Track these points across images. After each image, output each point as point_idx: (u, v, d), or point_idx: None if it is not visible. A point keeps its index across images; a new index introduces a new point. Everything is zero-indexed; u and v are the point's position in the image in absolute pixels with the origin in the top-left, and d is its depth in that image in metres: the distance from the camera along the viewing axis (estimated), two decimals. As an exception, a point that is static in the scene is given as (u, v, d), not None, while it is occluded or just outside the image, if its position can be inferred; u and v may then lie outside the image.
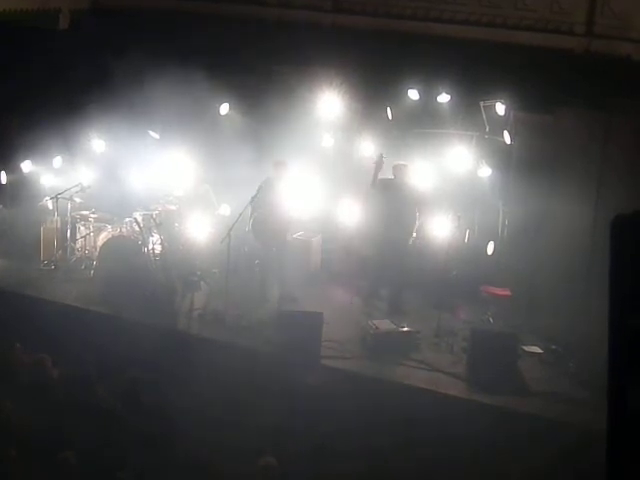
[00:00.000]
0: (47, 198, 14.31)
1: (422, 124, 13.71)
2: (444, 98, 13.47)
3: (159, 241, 13.59)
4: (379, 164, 12.82)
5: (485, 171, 13.18)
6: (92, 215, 14.18)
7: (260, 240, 13.21)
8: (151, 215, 13.86)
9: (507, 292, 12.67)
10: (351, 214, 13.32)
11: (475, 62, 13.13)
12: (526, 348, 11.73)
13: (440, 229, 12.55)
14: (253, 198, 12.57)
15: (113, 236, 13.73)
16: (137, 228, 13.66)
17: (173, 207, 14.25)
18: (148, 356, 10.01)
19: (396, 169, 13.01)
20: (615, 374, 3.60)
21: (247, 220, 12.95)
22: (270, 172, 13.08)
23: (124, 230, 13.84)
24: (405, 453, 8.25)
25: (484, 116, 13.23)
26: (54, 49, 15.01)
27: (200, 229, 13.06)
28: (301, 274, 13.70)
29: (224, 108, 14.51)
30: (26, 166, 14.61)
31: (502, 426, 9.34)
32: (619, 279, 3.61)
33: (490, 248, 13.11)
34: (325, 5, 15.08)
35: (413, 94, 13.60)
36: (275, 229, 12.94)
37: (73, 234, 14.25)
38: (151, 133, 14.54)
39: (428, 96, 13.53)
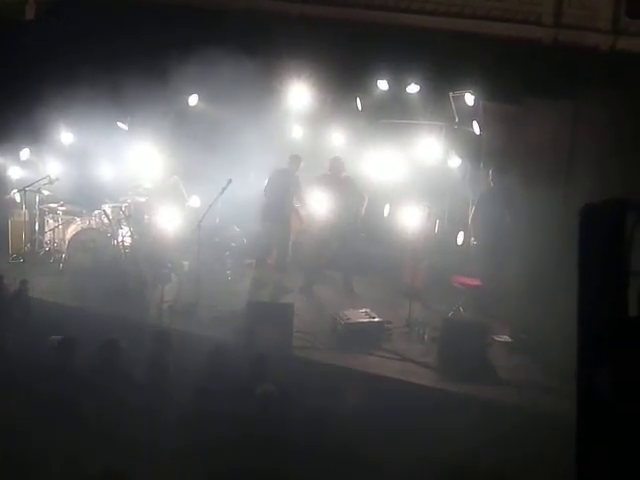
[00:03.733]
0: (14, 191, 14.19)
1: (391, 115, 13.74)
2: (413, 89, 13.49)
3: (129, 233, 13.53)
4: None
5: (455, 161, 13.23)
6: (60, 208, 14.09)
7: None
8: (120, 207, 13.80)
9: (477, 282, 12.73)
10: (321, 205, 13.39)
11: (444, 53, 13.16)
12: (496, 337, 11.81)
13: (410, 219, 12.59)
14: (223, 189, 12.57)
15: (82, 229, 13.67)
16: (106, 220, 13.60)
17: (142, 199, 14.17)
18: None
19: (331, 163, 13.20)
20: (583, 362, 3.65)
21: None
22: (284, 164, 13.38)
23: (93, 223, 13.77)
24: (376, 442, 8.27)
25: (453, 107, 13.27)
26: (20, 40, 14.86)
27: (170, 221, 13.01)
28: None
29: (193, 99, 14.46)
30: (-8, 158, 14.48)
31: (473, 415, 9.38)
32: (587, 268, 3.65)
33: (460, 238, 13.17)
34: (294, -5, 15.06)
35: (382, 85, 13.61)
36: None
37: (41, 227, 14.16)
38: (119, 124, 14.45)
39: (397, 87, 13.55)
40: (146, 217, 13.86)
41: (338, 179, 13.22)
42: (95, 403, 8.58)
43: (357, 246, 13.51)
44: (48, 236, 14.13)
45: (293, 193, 13.39)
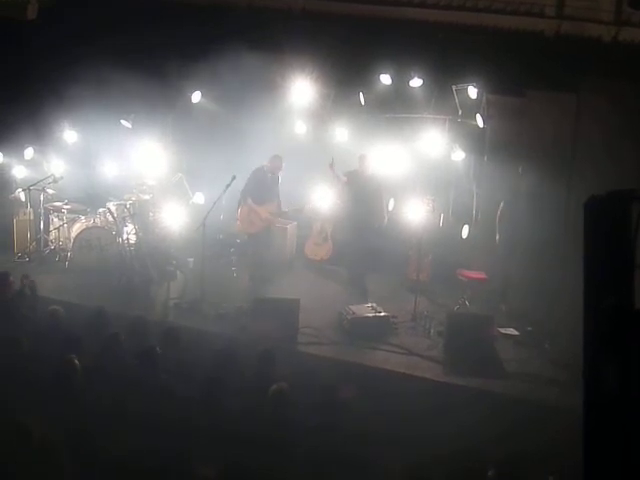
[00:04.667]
0: (19, 190, 14.23)
1: (395, 109, 13.73)
2: (416, 82, 13.48)
3: (133, 231, 13.56)
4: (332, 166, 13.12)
5: (458, 155, 13.22)
6: (65, 206, 14.10)
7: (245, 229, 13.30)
8: (125, 205, 13.82)
9: (482, 275, 12.73)
10: (326, 200, 13.41)
11: (446, 46, 13.15)
12: (502, 330, 11.81)
13: (414, 213, 12.59)
14: (227, 186, 12.54)
15: (87, 227, 13.68)
16: (111, 218, 13.62)
17: (147, 197, 14.19)
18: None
19: (359, 160, 13.11)
20: (590, 354, 3.65)
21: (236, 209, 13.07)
22: (243, 164, 13.09)
23: (98, 221, 13.79)
24: (381, 436, 8.27)
25: (456, 100, 13.26)
26: (22, 39, 14.87)
27: (174, 218, 13.02)
28: (277, 261, 13.74)
29: (196, 96, 14.46)
30: (-3, 158, 14.50)
31: (479, 408, 9.38)
32: (593, 260, 3.65)
33: (465, 232, 13.17)
34: (295, -9, 15.04)
35: (385, 79, 13.60)
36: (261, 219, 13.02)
37: (46, 226, 14.18)
38: (123, 122, 14.46)
39: (400, 81, 13.55)
40: (151, 214, 13.89)
41: (363, 176, 13.11)
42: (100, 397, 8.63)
43: (375, 243, 13.32)
44: (53, 235, 14.14)
45: (274, 192, 13.25)
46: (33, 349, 9.45)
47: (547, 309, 11.68)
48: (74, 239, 13.61)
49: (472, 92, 13.05)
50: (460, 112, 13.35)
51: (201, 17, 14.52)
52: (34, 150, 14.48)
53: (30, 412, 7.90)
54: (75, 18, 14.69)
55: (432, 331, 11.92)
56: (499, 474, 7.31)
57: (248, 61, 13.32)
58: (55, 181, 14.14)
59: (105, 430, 7.83)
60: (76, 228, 13.77)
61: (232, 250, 13.74)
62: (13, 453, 7.29)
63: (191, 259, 13.45)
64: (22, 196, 14.13)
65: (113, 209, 13.71)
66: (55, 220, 14.14)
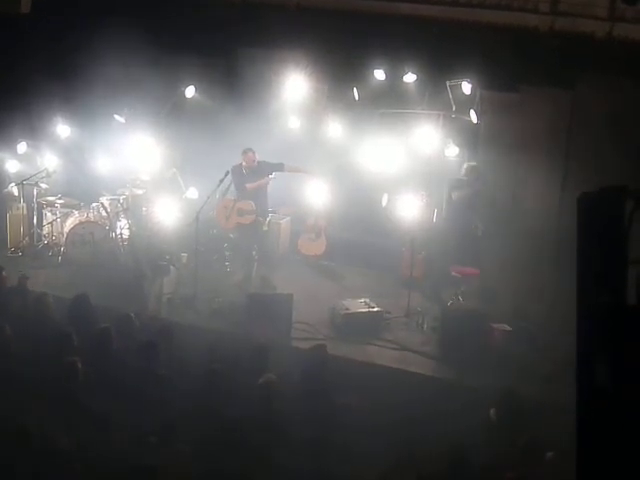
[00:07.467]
0: (12, 184, 14.19)
1: (389, 104, 13.73)
2: (410, 78, 13.49)
3: (127, 226, 13.55)
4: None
5: (452, 150, 13.22)
6: (58, 201, 14.08)
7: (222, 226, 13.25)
8: (118, 200, 13.81)
9: (476, 271, 12.73)
10: (319, 195, 13.40)
11: (441, 41, 13.14)
12: (495, 326, 11.81)
13: (408, 209, 12.59)
14: (221, 181, 12.53)
15: (80, 222, 13.66)
16: (104, 213, 13.61)
17: (140, 191, 14.17)
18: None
19: (468, 169, 12.96)
20: (583, 350, 3.65)
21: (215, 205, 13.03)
22: (238, 159, 13.01)
23: (91, 215, 13.77)
24: (375, 432, 8.28)
25: (450, 95, 13.25)
26: (16, 33, 14.83)
27: (168, 213, 13.01)
28: (270, 256, 13.72)
29: (190, 91, 14.42)
30: (-11, 152, 14.45)
31: (472, 404, 9.40)
32: (586, 256, 3.65)
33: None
34: (290, -14, 15.00)
35: (379, 74, 13.60)
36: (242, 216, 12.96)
37: (40, 220, 14.16)
38: (117, 117, 14.43)
39: (394, 76, 13.55)
40: (144, 209, 13.86)
41: (471, 186, 12.91)
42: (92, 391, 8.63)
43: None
44: (46, 229, 14.12)
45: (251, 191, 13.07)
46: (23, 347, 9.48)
47: (541, 305, 11.69)
48: (67, 234, 13.59)
49: (466, 88, 13.04)
50: (454, 107, 13.34)
51: (195, 12, 14.48)
52: (27, 144, 14.44)
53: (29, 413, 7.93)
54: (69, 13, 14.66)
55: (425, 327, 11.94)
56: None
57: (242, 56, 13.29)
58: (48, 175, 14.12)
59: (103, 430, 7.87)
60: (69, 223, 13.74)
61: (225, 245, 13.73)
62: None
63: (184, 254, 13.43)
64: (15, 191, 14.09)
65: (106, 204, 13.69)
66: (48, 215, 14.12)
